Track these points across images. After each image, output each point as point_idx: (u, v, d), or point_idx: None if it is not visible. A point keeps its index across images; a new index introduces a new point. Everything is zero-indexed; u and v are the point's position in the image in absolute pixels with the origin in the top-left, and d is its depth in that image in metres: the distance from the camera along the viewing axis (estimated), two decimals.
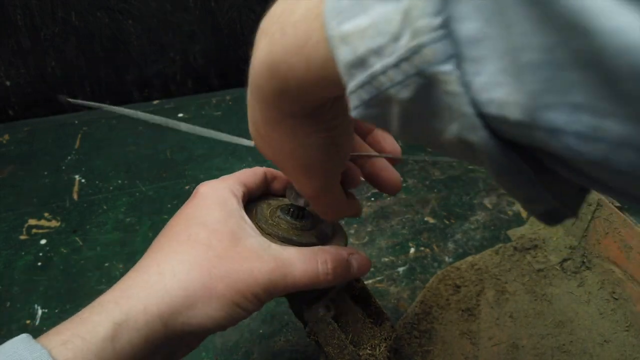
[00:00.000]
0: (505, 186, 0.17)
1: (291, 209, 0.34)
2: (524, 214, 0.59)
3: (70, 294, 0.50)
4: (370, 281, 0.52)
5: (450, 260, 0.54)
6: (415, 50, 0.15)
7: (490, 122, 0.15)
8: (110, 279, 0.52)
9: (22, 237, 0.56)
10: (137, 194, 0.62)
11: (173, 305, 0.28)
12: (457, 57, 0.14)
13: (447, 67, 0.14)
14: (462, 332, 0.45)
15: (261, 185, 0.37)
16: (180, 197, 0.61)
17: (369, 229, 0.58)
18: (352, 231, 0.57)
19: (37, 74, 0.76)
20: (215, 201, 0.32)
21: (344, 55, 0.17)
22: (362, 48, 0.16)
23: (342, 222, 0.58)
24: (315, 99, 0.23)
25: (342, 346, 0.32)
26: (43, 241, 0.56)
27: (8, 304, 0.49)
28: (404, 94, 0.16)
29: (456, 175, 0.65)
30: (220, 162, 0.67)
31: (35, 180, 0.64)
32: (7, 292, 0.50)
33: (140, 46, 0.79)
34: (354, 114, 0.18)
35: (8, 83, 0.75)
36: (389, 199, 0.62)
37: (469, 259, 0.51)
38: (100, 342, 0.25)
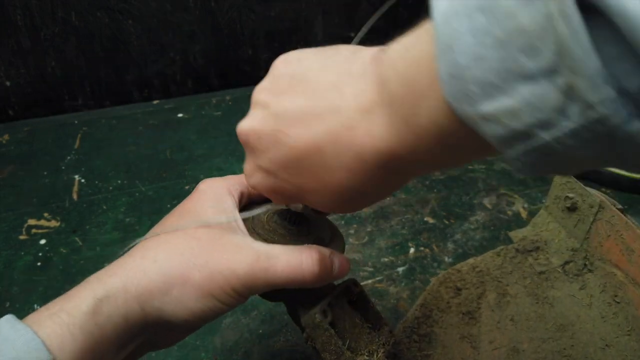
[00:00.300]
0: None
1: (288, 215, 0.34)
2: (523, 214, 0.60)
3: None
4: (370, 281, 0.52)
5: (450, 260, 0.54)
6: (597, 121, 0.16)
7: None
8: None
9: (21, 237, 0.56)
10: (137, 194, 0.62)
11: (150, 289, 0.28)
12: (637, 109, 0.15)
13: (636, 125, 0.15)
14: (462, 336, 0.45)
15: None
16: (180, 197, 0.61)
17: (368, 229, 0.58)
18: (351, 231, 0.57)
19: (37, 74, 0.76)
20: (211, 197, 0.33)
21: (492, 131, 0.18)
22: (520, 124, 0.17)
23: (342, 222, 0.58)
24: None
25: (338, 352, 0.32)
26: (43, 241, 0.56)
27: (8, 304, 0.49)
28: (586, 152, 0.17)
29: (456, 175, 0.65)
30: (221, 162, 0.67)
31: (35, 180, 0.64)
32: (7, 292, 0.50)
33: (140, 46, 0.79)
34: (519, 174, 0.20)
35: (8, 83, 0.75)
36: (388, 199, 0.62)
37: (470, 261, 0.51)
38: (82, 315, 0.27)
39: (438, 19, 0.18)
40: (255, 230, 0.33)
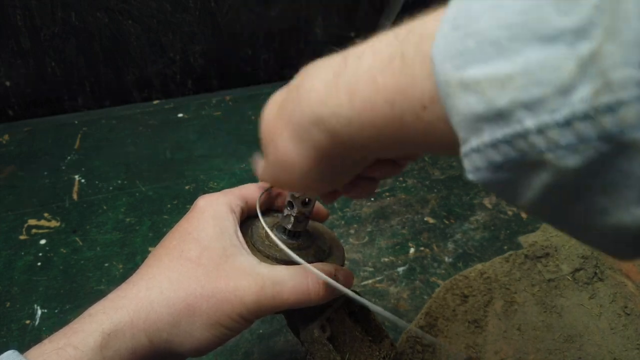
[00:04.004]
0: None
1: (287, 229, 0.34)
2: (523, 214, 0.59)
3: (70, 294, 0.50)
4: (370, 281, 0.52)
5: (450, 260, 0.54)
6: (608, 108, 0.12)
7: None
8: (110, 279, 0.52)
9: (22, 238, 0.56)
10: (137, 194, 0.62)
11: (157, 322, 0.28)
12: None
13: None
14: (467, 345, 0.44)
15: (264, 201, 0.36)
16: (180, 197, 0.61)
17: (368, 229, 0.58)
18: (351, 231, 0.57)
19: (37, 74, 0.76)
20: (211, 216, 0.32)
21: (466, 105, 0.14)
22: (504, 99, 0.13)
23: (342, 222, 0.58)
24: (376, 156, 0.22)
25: None
26: (43, 241, 0.56)
27: (8, 304, 0.49)
28: (570, 161, 0.13)
29: (456, 175, 0.65)
30: (220, 162, 0.67)
31: (35, 180, 0.64)
32: (7, 292, 0.50)
33: (140, 46, 0.79)
34: (472, 177, 0.15)
35: (8, 83, 0.75)
36: (388, 198, 0.62)
37: (478, 266, 0.50)
38: (90, 351, 0.26)
39: None
40: (256, 246, 0.33)
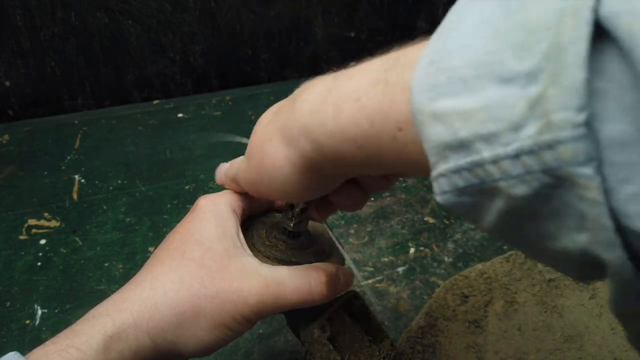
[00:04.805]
0: None
1: (287, 229, 0.34)
2: None
3: (70, 294, 0.50)
4: (370, 281, 0.52)
5: (450, 260, 0.54)
6: (548, 146, 0.13)
7: (632, 239, 0.13)
8: (110, 279, 0.52)
9: (21, 237, 0.56)
10: (137, 194, 0.62)
11: (161, 323, 0.28)
12: (598, 160, 0.13)
13: (587, 171, 0.13)
14: (467, 345, 0.44)
15: (265, 201, 0.36)
16: (180, 197, 0.61)
17: (368, 229, 0.58)
18: (351, 231, 0.57)
19: (37, 74, 0.76)
20: (213, 216, 0.32)
21: (436, 134, 0.16)
22: (466, 131, 0.15)
23: (342, 222, 0.58)
24: (354, 173, 0.24)
25: None
26: (43, 241, 0.56)
27: (8, 304, 0.49)
28: (519, 190, 0.14)
29: None
30: (220, 162, 0.67)
31: (35, 180, 0.64)
32: (7, 292, 0.50)
33: (140, 46, 0.79)
34: (439, 199, 0.17)
35: (8, 83, 0.75)
36: (388, 198, 0.62)
37: (479, 266, 0.50)
38: (93, 353, 0.26)
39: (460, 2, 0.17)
40: (256, 247, 0.33)
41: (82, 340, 0.27)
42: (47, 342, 0.27)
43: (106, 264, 0.53)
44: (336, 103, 0.21)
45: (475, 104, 0.15)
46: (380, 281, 0.52)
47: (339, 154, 0.21)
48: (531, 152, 0.14)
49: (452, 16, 0.17)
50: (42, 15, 0.71)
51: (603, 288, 0.48)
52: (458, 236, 0.57)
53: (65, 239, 0.56)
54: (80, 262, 0.53)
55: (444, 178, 0.16)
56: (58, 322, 0.48)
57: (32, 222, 0.58)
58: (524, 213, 0.15)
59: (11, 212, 0.59)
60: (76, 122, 0.75)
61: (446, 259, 0.54)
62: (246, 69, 0.87)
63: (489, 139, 0.15)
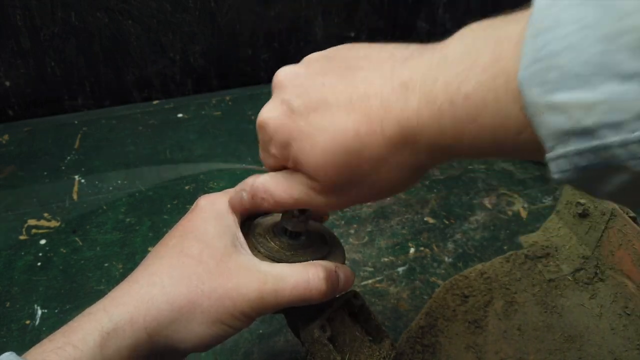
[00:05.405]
0: None
1: (287, 229, 0.34)
2: (523, 214, 0.60)
3: (70, 294, 0.50)
4: (370, 281, 0.52)
5: (450, 260, 0.54)
6: None
7: None
8: (110, 279, 0.52)
9: (21, 238, 0.56)
10: (137, 194, 0.62)
11: (158, 318, 0.28)
12: None
13: None
14: (467, 346, 0.44)
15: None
16: (180, 197, 0.61)
17: (368, 229, 0.58)
18: (351, 231, 0.57)
19: (37, 74, 0.76)
20: (212, 215, 0.32)
21: (555, 122, 0.18)
22: (590, 120, 0.17)
23: (342, 223, 0.58)
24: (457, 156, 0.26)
25: None
26: (43, 241, 0.56)
27: (8, 304, 0.49)
28: None
29: (456, 175, 0.65)
30: (220, 162, 0.67)
31: (35, 180, 0.64)
32: (7, 292, 0.50)
33: (140, 46, 0.79)
34: (557, 176, 0.19)
35: (8, 83, 0.75)
36: (388, 199, 0.62)
37: (479, 266, 0.50)
38: (90, 350, 0.26)
39: (541, 3, 0.18)
40: (256, 246, 0.33)
41: (79, 337, 0.27)
42: (45, 340, 0.27)
43: (106, 264, 0.53)
44: (456, 122, 0.22)
45: (597, 97, 0.17)
46: (380, 281, 0.52)
47: (456, 153, 0.24)
48: None
49: (545, 12, 0.18)
50: (42, 15, 0.71)
51: (603, 289, 0.48)
52: (458, 236, 0.57)
53: (65, 239, 0.56)
54: (80, 262, 0.53)
55: (564, 159, 0.18)
56: (58, 323, 0.48)
57: (32, 222, 0.58)
58: None
59: (11, 212, 0.59)
60: (76, 122, 0.75)
61: (446, 259, 0.54)
62: (246, 69, 0.87)
63: (615, 126, 0.17)
